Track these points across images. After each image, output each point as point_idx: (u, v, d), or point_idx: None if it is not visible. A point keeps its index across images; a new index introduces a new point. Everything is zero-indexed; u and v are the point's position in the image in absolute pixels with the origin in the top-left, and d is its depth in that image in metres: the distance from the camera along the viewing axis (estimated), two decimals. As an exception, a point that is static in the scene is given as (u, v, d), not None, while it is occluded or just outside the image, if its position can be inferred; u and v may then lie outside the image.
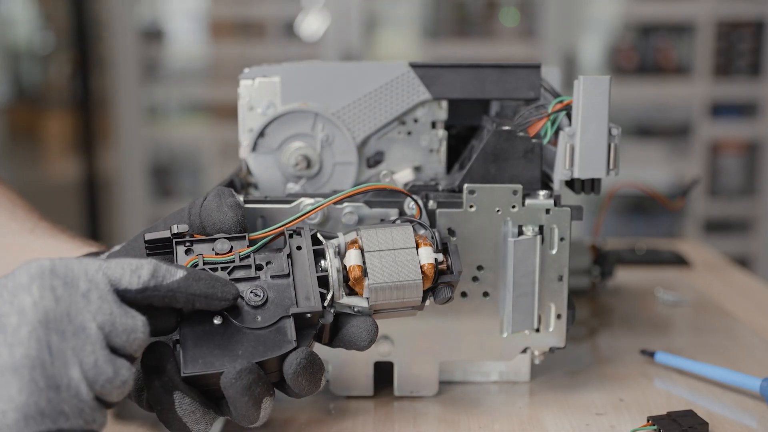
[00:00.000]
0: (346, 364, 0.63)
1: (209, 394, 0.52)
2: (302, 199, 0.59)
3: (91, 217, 2.55)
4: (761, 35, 2.40)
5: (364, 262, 0.53)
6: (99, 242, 0.68)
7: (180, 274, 0.49)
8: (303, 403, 0.62)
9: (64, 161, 2.80)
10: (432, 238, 0.55)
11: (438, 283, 0.54)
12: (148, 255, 0.55)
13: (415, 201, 0.58)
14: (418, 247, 0.54)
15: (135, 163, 2.43)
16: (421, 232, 0.55)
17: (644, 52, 2.45)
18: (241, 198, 0.56)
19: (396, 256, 0.54)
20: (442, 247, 0.55)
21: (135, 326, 0.46)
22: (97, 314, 0.45)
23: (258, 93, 0.64)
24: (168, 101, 2.56)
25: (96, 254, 0.61)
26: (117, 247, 0.59)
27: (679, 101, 2.43)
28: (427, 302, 0.55)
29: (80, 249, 0.62)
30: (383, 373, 0.64)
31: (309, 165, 0.64)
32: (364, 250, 0.54)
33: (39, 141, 2.98)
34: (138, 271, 0.47)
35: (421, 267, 0.54)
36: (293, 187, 0.65)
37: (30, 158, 3.03)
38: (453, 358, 0.63)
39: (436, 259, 0.54)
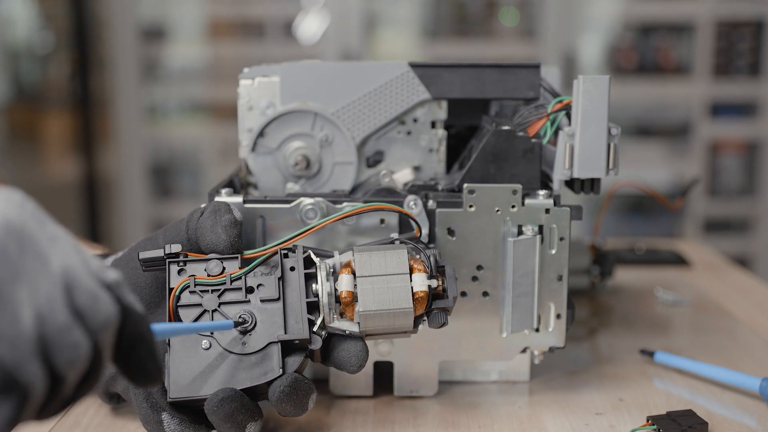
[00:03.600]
0: (346, 364, 0.63)
1: (199, 412, 0.52)
2: (302, 198, 0.59)
3: (90, 217, 2.55)
4: (761, 35, 2.39)
5: (356, 286, 0.53)
6: (99, 243, 0.68)
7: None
8: (306, 413, 0.62)
9: (64, 161, 2.80)
10: (427, 262, 0.54)
11: (432, 308, 0.54)
12: (144, 271, 0.56)
13: (415, 221, 0.57)
14: (412, 272, 0.53)
15: (135, 163, 2.43)
16: (418, 255, 0.55)
17: (644, 52, 2.45)
18: (237, 213, 0.56)
19: (388, 282, 0.53)
20: (439, 270, 0.54)
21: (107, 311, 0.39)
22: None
23: (257, 93, 0.64)
24: (168, 101, 2.55)
25: (103, 257, 0.61)
26: (120, 253, 0.60)
27: (678, 101, 2.43)
28: (421, 326, 0.54)
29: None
30: (383, 373, 0.64)
31: (308, 165, 0.64)
32: (357, 275, 0.53)
33: (39, 141, 2.98)
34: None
35: (414, 294, 0.53)
36: (293, 187, 0.65)
37: (30, 158, 3.03)
38: (453, 357, 0.63)
39: (429, 286, 0.53)
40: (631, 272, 0.99)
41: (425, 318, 0.54)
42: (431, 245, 0.60)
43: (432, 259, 0.54)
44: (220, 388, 0.51)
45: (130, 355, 0.39)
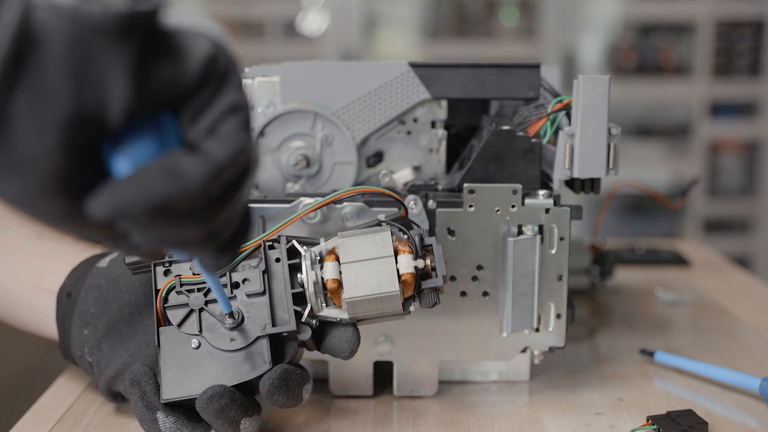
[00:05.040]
0: (346, 364, 0.63)
1: (195, 410, 0.52)
2: (301, 198, 0.59)
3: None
4: (761, 35, 2.40)
5: (341, 273, 0.53)
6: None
7: None
8: (302, 403, 0.62)
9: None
10: (412, 242, 0.53)
11: (423, 288, 0.53)
12: (133, 274, 0.56)
13: (401, 202, 0.57)
14: (397, 254, 0.53)
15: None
16: (405, 236, 0.54)
17: (644, 52, 2.45)
18: None
19: (373, 266, 0.52)
20: (427, 249, 0.53)
21: None
22: None
23: (258, 92, 0.64)
24: (168, 101, 2.55)
25: (99, 257, 0.61)
26: (115, 253, 0.60)
27: (678, 101, 2.43)
28: (412, 307, 0.53)
29: (85, 252, 0.63)
30: (383, 372, 0.64)
31: (308, 164, 0.64)
32: (341, 261, 0.52)
33: (39, 141, 2.97)
34: None
35: (400, 276, 0.52)
36: (293, 187, 0.65)
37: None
38: (452, 357, 0.63)
39: (416, 267, 0.52)
40: (631, 272, 0.99)
41: (416, 299, 0.53)
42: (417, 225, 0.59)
43: (417, 238, 0.53)
44: (210, 386, 0.51)
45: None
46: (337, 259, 0.53)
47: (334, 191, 0.64)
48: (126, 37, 0.32)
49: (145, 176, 0.34)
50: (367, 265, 0.52)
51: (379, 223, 0.55)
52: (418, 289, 0.53)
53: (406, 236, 0.54)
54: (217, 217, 0.37)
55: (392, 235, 0.53)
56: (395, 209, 0.59)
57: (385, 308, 0.52)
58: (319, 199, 0.59)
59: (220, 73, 0.36)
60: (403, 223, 0.55)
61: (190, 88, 0.35)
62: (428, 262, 0.53)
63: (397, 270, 0.52)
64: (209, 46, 0.36)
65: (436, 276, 0.53)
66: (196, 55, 0.35)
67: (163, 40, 0.34)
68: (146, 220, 0.34)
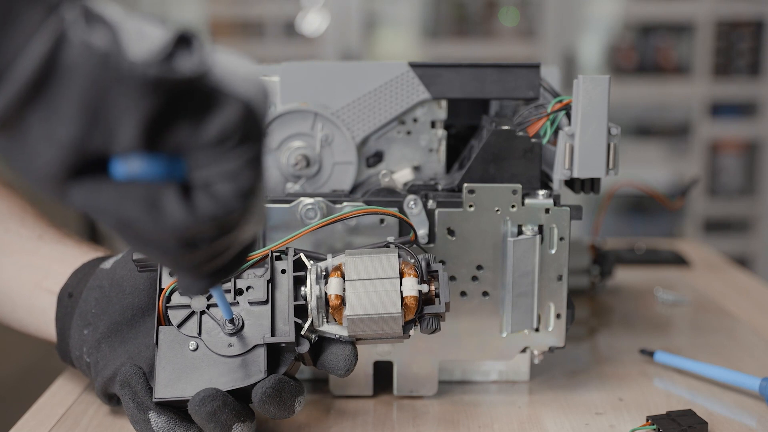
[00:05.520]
0: (346, 364, 0.63)
1: (187, 412, 0.52)
2: (301, 198, 0.59)
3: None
4: (761, 35, 2.40)
5: (344, 290, 0.52)
6: (100, 244, 0.69)
7: None
8: (294, 415, 0.62)
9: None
10: (419, 266, 0.53)
11: (424, 313, 0.53)
12: (139, 272, 0.56)
13: (411, 226, 0.57)
14: (402, 276, 0.53)
15: (135, 162, 2.42)
16: (411, 259, 0.54)
17: (644, 52, 2.45)
18: None
19: (377, 285, 0.52)
20: (432, 275, 0.53)
21: None
22: None
23: (257, 93, 0.64)
24: (168, 101, 2.55)
25: (102, 259, 0.61)
26: (119, 255, 0.60)
27: (678, 101, 2.43)
28: (412, 332, 0.53)
29: (87, 254, 0.63)
30: (383, 373, 0.64)
31: (308, 164, 0.64)
32: (346, 278, 0.53)
33: (39, 141, 2.97)
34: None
35: (403, 299, 0.52)
36: (293, 187, 0.65)
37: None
38: (452, 357, 0.63)
39: (420, 291, 0.52)
40: (631, 272, 0.99)
41: (416, 324, 0.53)
42: (431, 244, 0.60)
43: (424, 263, 0.53)
44: (203, 388, 0.51)
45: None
46: (343, 276, 0.53)
47: (334, 191, 0.64)
48: (148, 94, 0.33)
49: (127, 193, 0.34)
50: (372, 285, 0.52)
51: (387, 245, 0.55)
52: (419, 314, 0.53)
53: (413, 260, 0.54)
54: (185, 257, 0.37)
55: (399, 257, 0.54)
56: (395, 209, 0.59)
57: (385, 329, 0.52)
58: (319, 199, 0.59)
59: (234, 142, 0.35)
60: (412, 246, 0.55)
61: (201, 147, 0.35)
62: (433, 287, 0.53)
63: (401, 292, 0.52)
64: (237, 115, 0.35)
65: (440, 302, 0.53)
66: (218, 122, 0.35)
67: (192, 97, 0.34)
68: (112, 227, 0.35)
